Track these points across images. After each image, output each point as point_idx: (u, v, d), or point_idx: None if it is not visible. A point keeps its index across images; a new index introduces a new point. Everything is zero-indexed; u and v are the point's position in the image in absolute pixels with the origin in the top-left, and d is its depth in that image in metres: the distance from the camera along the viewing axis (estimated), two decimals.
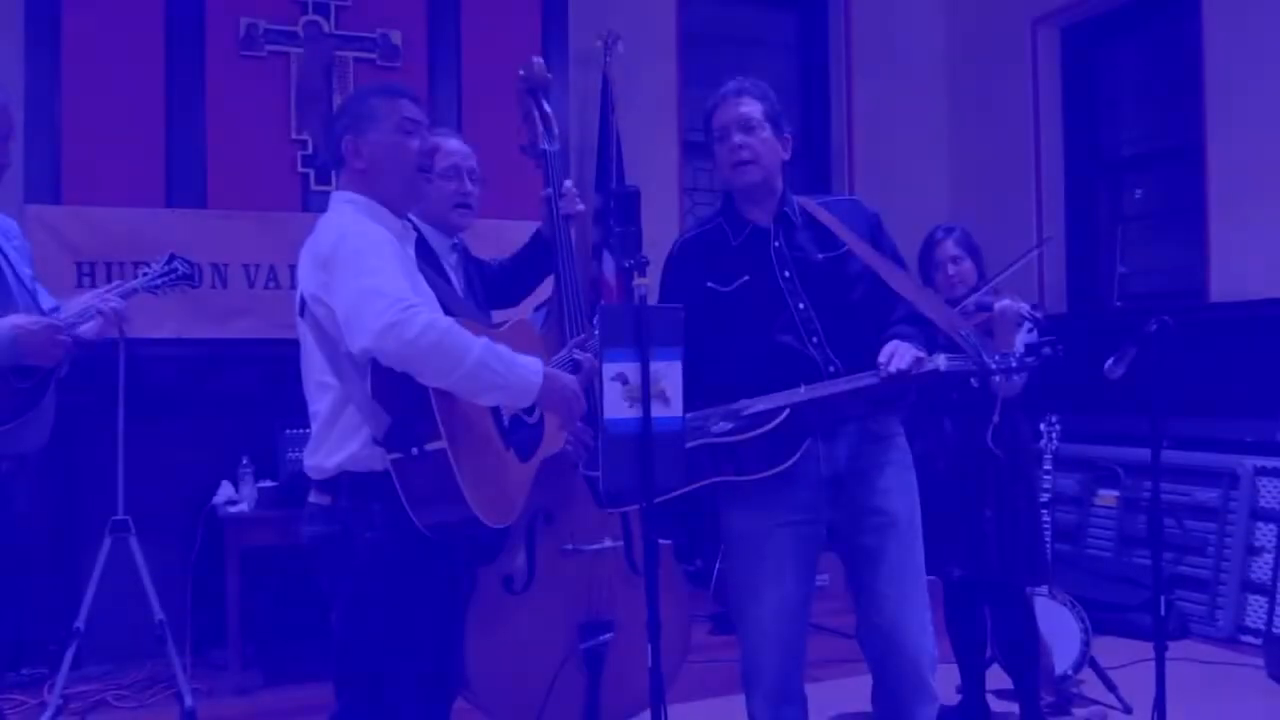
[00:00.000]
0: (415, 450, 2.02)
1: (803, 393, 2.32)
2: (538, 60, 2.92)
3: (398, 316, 1.95)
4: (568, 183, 2.91)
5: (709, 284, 2.49)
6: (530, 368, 2.12)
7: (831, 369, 2.40)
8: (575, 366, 2.54)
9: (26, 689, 4.09)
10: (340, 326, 2.04)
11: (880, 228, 2.59)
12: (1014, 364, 2.27)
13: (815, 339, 2.42)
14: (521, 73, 2.92)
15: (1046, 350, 2.20)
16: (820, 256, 2.49)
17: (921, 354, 2.30)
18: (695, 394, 2.35)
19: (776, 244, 2.50)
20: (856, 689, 3.50)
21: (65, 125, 4.39)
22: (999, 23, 6.25)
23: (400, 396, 2.03)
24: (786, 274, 2.46)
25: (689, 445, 2.26)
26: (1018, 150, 6.10)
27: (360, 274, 2.01)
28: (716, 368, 2.47)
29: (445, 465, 2.01)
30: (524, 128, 2.94)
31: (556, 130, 2.94)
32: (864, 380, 2.31)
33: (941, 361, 2.27)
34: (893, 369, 2.26)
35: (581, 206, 2.93)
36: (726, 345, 2.47)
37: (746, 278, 2.47)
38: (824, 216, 2.52)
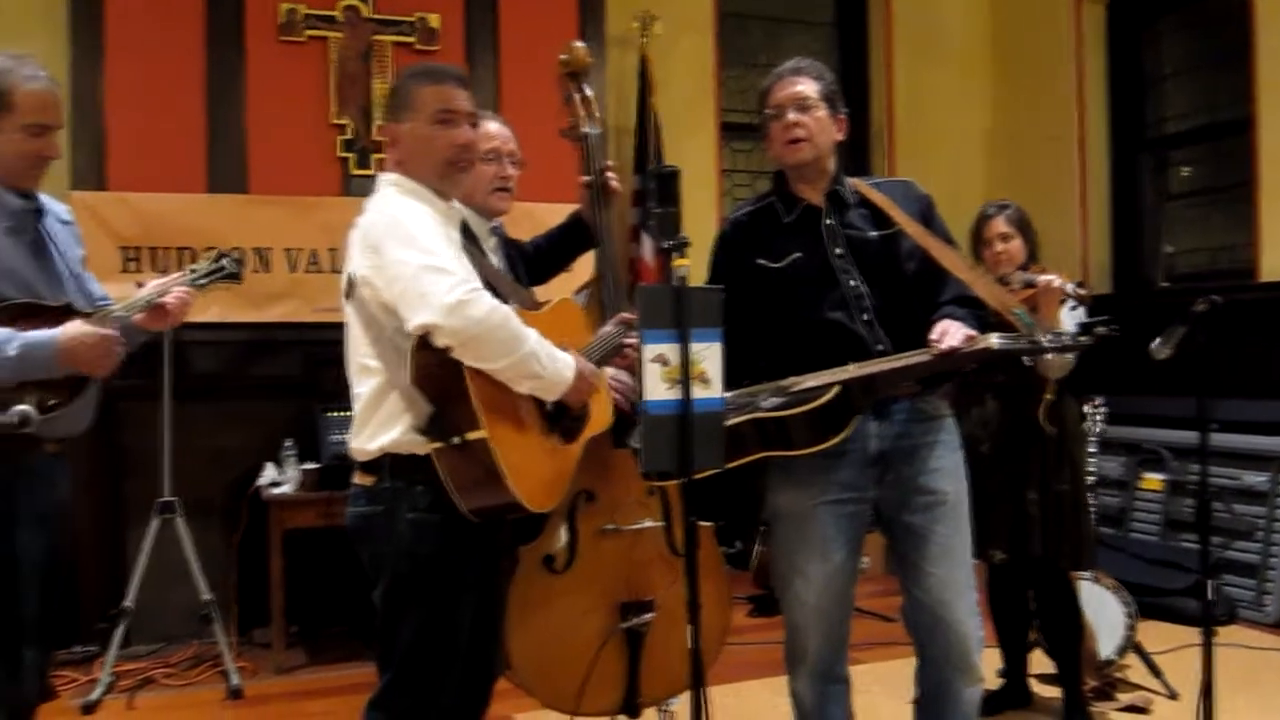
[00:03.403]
0: (457, 440, 2.04)
1: (852, 370, 2.31)
2: (579, 44, 2.91)
3: (468, 295, 1.99)
4: (610, 163, 2.90)
5: (759, 260, 2.49)
6: (566, 364, 2.17)
7: (880, 347, 2.39)
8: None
9: (78, 666, 4.17)
10: (394, 304, 2.05)
11: (932, 209, 2.57)
12: (1068, 342, 2.24)
13: (865, 316, 2.41)
14: (563, 57, 2.90)
15: (1100, 329, 2.17)
16: (873, 234, 2.48)
17: (973, 332, 2.28)
18: (744, 370, 2.35)
19: (829, 221, 2.49)
20: (897, 671, 3.49)
21: (109, 113, 4.44)
22: None
23: (440, 385, 2.05)
24: (838, 251, 2.45)
25: (738, 420, 2.26)
26: (1061, 128, 6.01)
27: (421, 252, 2.03)
28: (765, 344, 2.47)
29: (487, 454, 2.02)
30: (565, 112, 2.93)
31: (598, 114, 2.93)
32: (915, 357, 2.29)
33: (994, 340, 2.24)
34: (944, 346, 2.24)
35: (619, 185, 2.92)
36: (776, 321, 2.47)
37: (798, 254, 2.47)
38: (876, 196, 2.50)
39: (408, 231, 2.06)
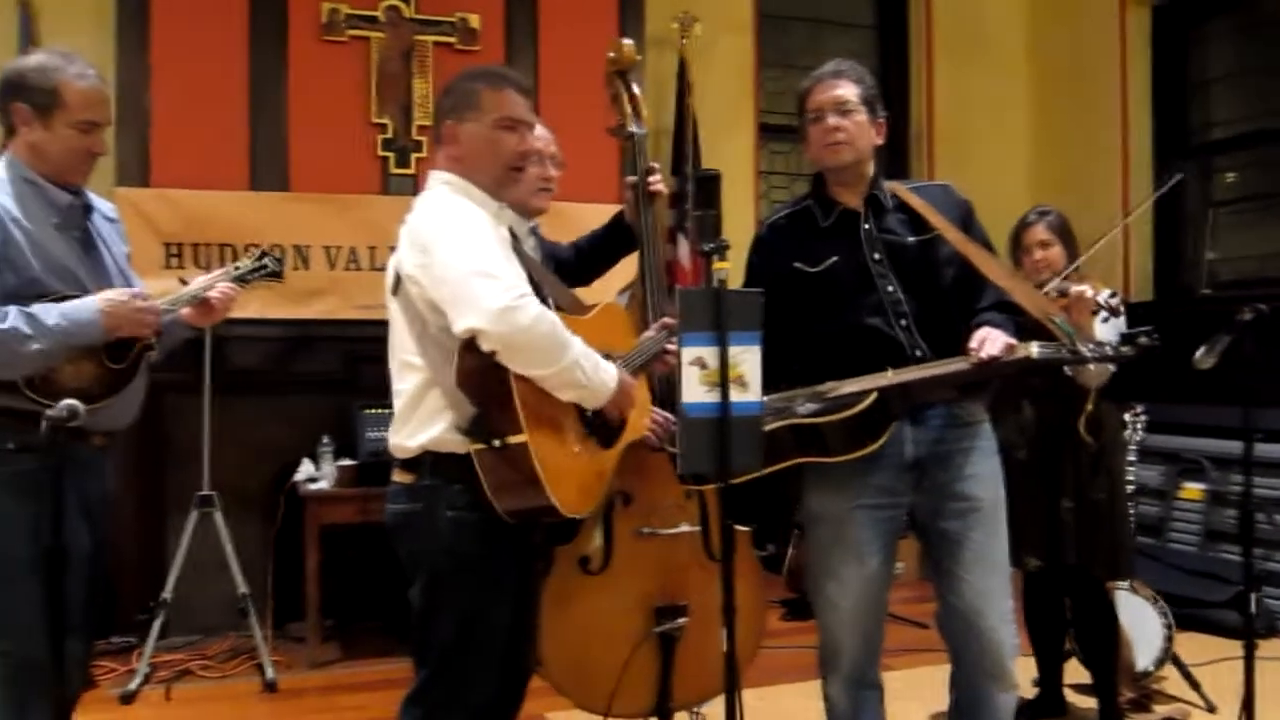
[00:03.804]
0: (497, 443, 2.04)
1: (890, 376, 2.30)
2: (627, 42, 2.90)
3: (516, 301, 1.99)
4: (654, 164, 2.90)
5: (796, 264, 2.48)
6: (609, 374, 2.17)
7: (918, 353, 2.38)
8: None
9: (116, 656, 4.23)
10: (440, 305, 2.06)
11: (971, 214, 2.55)
12: (1109, 352, 2.22)
13: (903, 322, 2.40)
14: (611, 55, 2.89)
15: (1143, 339, 2.15)
16: (911, 240, 2.46)
17: (1013, 340, 2.27)
18: (779, 374, 2.34)
19: (866, 226, 2.47)
20: (930, 677, 3.47)
21: (154, 111, 4.50)
22: (1086, 1, 6.08)
23: (484, 388, 2.05)
24: (876, 256, 2.44)
25: (775, 425, 2.27)
26: (1104, 133, 5.94)
27: (470, 255, 2.04)
28: (802, 348, 2.46)
29: (526, 458, 2.04)
30: (612, 110, 2.92)
31: (645, 113, 2.92)
32: (954, 365, 2.28)
33: (1034, 349, 2.24)
34: (984, 355, 2.23)
35: (664, 187, 2.92)
36: (813, 326, 2.46)
37: (835, 259, 2.45)
38: (915, 201, 2.48)
39: (459, 233, 2.07)
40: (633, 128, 2.87)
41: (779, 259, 2.51)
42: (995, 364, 2.23)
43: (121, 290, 2.35)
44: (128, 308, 2.33)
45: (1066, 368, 3.05)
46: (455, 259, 2.04)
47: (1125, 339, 2.18)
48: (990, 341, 2.25)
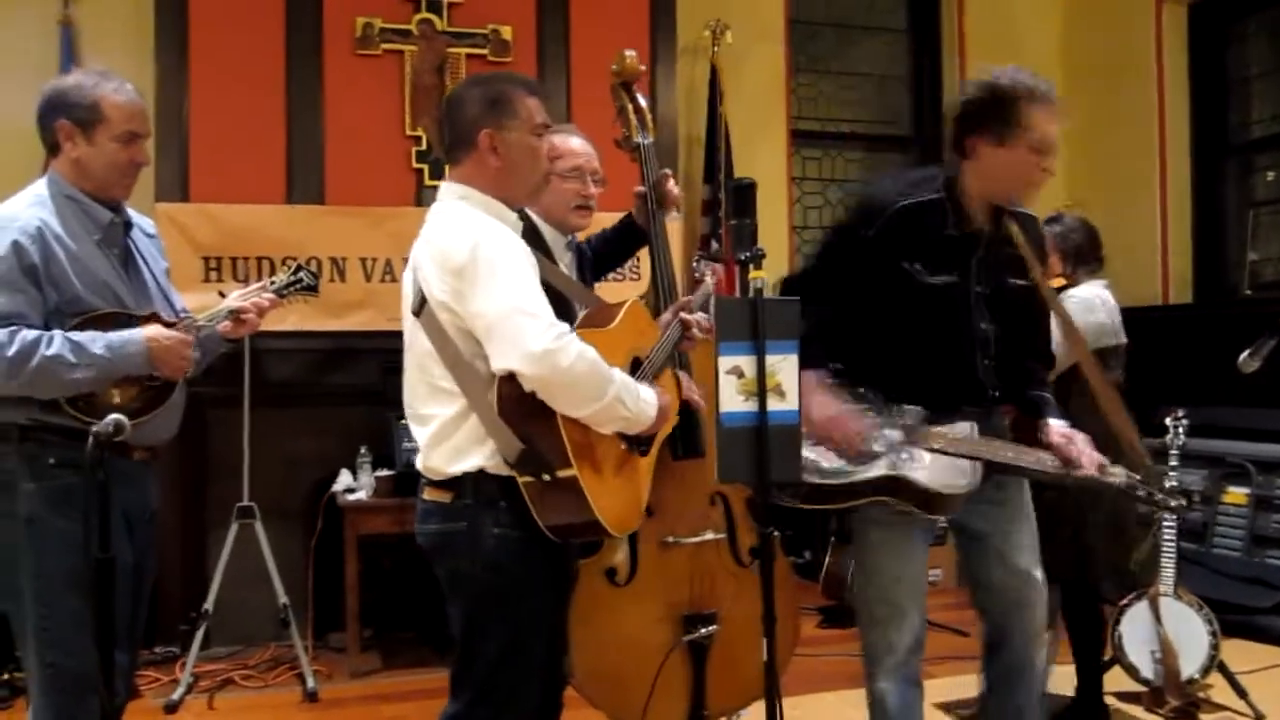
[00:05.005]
0: (547, 477, 2.02)
1: (985, 450, 2.35)
2: (629, 53, 2.89)
3: (555, 343, 1.95)
4: (665, 171, 2.90)
5: (908, 265, 2.39)
6: (650, 402, 2.13)
7: (995, 394, 2.45)
8: (684, 325, 2.49)
9: (160, 666, 4.27)
10: (476, 335, 2.03)
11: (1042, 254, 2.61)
12: (1170, 504, 2.34)
13: (987, 362, 2.43)
14: (614, 67, 2.90)
15: (1196, 497, 2.30)
16: (1013, 283, 2.46)
17: (1104, 460, 2.35)
18: (833, 350, 2.39)
19: (980, 255, 2.44)
20: (971, 686, 3.44)
21: (193, 126, 4.56)
22: (1122, 1, 6.02)
23: (527, 418, 2.02)
24: (979, 289, 2.43)
25: (880, 475, 2.34)
26: (1141, 133, 5.87)
27: (507, 290, 1.99)
28: (884, 352, 2.46)
29: (577, 489, 2.03)
30: (618, 122, 2.93)
31: (651, 122, 2.92)
32: (1043, 465, 2.36)
33: (1121, 477, 2.33)
34: (1079, 474, 2.32)
35: (677, 190, 2.92)
36: (901, 334, 2.43)
37: (950, 278, 2.40)
38: (1024, 248, 2.45)
39: (498, 263, 2.01)
40: (638, 138, 2.87)
41: (897, 248, 2.40)
42: (1086, 480, 2.33)
43: (170, 334, 2.37)
44: (173, 353, 2.36)
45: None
46: (494, 293, 1.99)
47: (1183, 493, 2.29)
48: (1086, 457, 2.33)
